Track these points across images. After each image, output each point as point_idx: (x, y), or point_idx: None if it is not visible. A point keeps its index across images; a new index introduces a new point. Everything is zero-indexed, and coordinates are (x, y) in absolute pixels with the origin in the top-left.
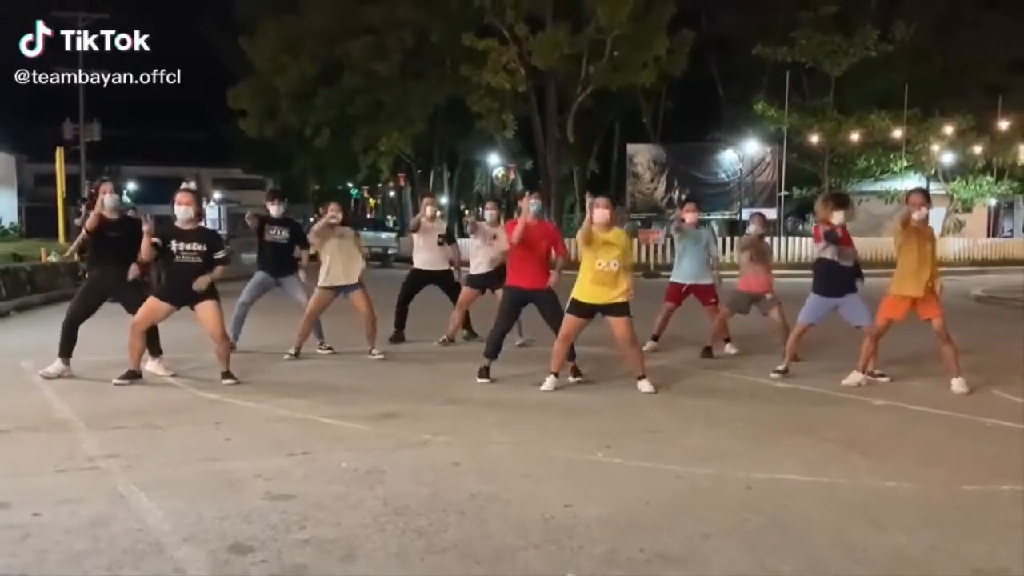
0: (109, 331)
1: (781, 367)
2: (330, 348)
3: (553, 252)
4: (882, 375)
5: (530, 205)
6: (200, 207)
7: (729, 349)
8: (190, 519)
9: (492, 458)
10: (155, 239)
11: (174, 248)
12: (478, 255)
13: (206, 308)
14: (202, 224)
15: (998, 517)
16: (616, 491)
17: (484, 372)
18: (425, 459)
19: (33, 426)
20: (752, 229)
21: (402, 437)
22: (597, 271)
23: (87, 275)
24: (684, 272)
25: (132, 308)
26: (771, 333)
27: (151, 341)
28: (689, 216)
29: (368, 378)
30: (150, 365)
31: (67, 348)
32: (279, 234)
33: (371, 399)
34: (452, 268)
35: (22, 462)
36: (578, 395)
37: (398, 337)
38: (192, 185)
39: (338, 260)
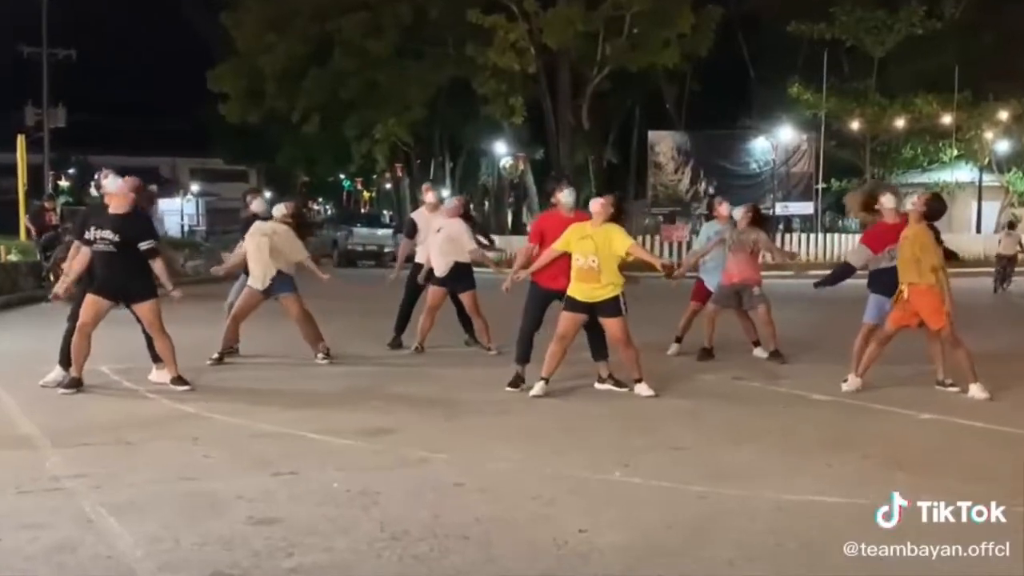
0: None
1: (853, 381)
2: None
3: None
4: (952, 384)
5: (564, 196)
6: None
7: (674, 348)
8: (165, 545)
9: (498, 477)
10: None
11: (90, 235)
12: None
13: (144, 308)
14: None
15: None
16: (634, 514)
17: (517, 381)
18: (424, 478)
19: None
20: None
21: (398, 454)
22: (578, 268)
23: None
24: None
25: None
26: (812, 341)
27: (148, 345)
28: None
29: (359, 388)
30: (154, 375)
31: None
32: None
33: (363, 411)
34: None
35: None
36: (592, 406)
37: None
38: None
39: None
